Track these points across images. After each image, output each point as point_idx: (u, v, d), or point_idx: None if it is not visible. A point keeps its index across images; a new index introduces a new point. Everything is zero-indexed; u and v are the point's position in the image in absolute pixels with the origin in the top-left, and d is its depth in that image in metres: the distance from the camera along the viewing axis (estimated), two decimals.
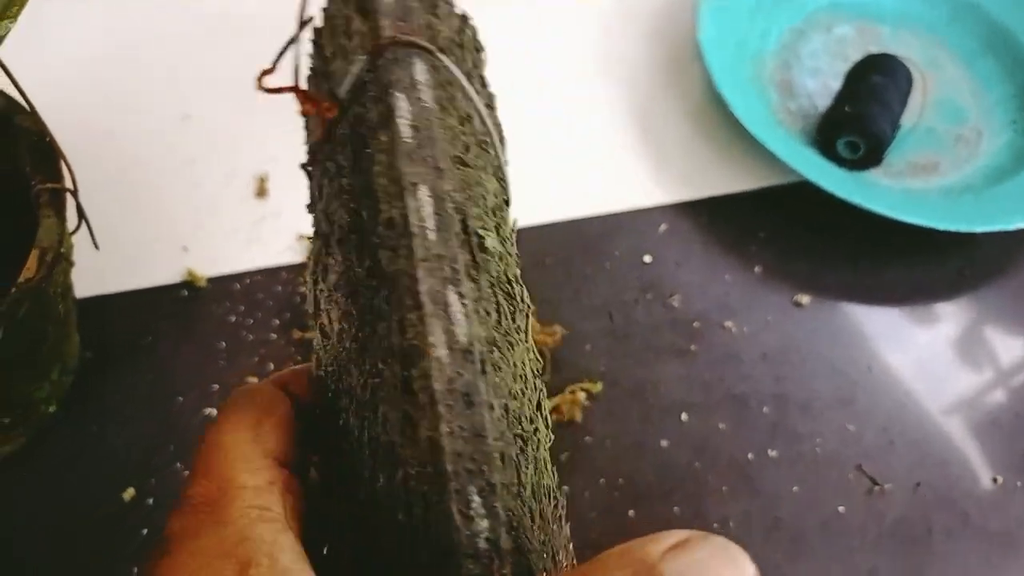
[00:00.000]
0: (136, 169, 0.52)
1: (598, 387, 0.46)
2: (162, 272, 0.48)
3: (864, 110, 0.52)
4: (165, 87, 0.57)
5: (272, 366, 0.46)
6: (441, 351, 0.19)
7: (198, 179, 0.52)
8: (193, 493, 0.20)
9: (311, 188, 0.27)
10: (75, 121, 0.53)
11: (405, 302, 0.19)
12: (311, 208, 0.26)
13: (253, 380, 0.45)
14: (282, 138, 0.55)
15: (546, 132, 0.57)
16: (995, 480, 0.45)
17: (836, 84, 0.57)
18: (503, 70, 0.59)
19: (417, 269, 0.19)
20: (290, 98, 0.26)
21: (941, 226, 0.48)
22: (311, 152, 0.27)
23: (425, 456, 0.18)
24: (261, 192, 0.52)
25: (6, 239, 0.37)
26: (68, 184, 0.35)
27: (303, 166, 0.27)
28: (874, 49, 0.60)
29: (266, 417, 0.21)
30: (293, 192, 0.52)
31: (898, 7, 0.63)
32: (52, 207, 0.35)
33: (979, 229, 0.49)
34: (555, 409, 0.45)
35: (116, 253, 0.48)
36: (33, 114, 0.35)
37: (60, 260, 0.34)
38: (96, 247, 0.39)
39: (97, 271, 0.46)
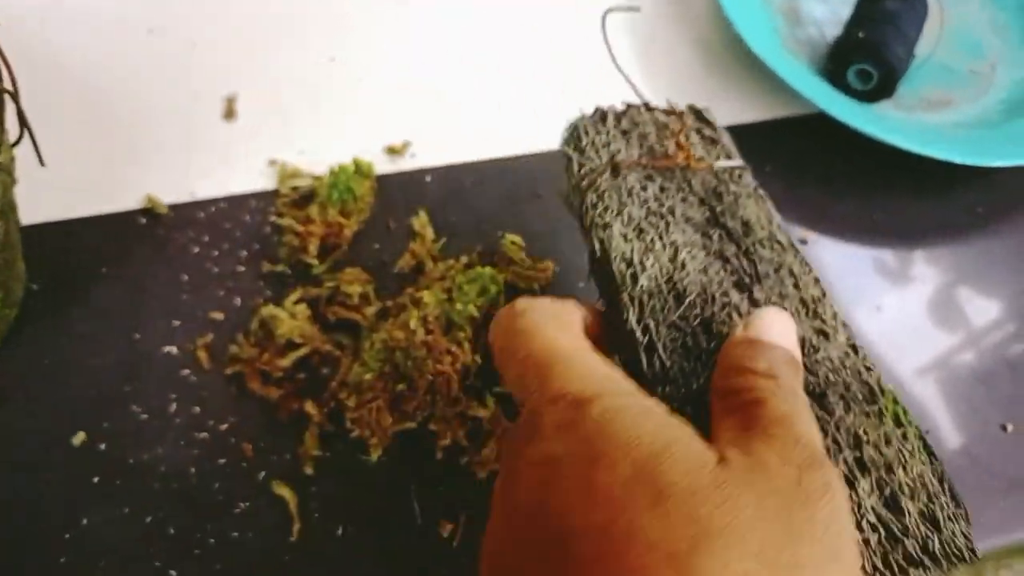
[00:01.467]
0: (94, 81, 0.48)
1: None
2: (119, 197, 0.44)
3: (878, 36, 0.49)
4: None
5: (239, 300, 0.42)
6: None
7: (162, 97, 0.48)
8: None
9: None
10: (22, 17, 0.49)
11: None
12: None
13: (218, 316, 0.41)
14: (253, 56, 0.51)
15: (542, 62, 0.53)
16: (1004, 427, 0.43)
17: (846, 12, 0.53)
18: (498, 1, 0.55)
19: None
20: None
21: (957, 159, 0.45)
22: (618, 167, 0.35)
23: None
24: (229, 113, 0.48)
25: None
26: (7, 84, 0.31)
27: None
28: None
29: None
30: (264, 114, 0.48)
31: None
32: None
33: (997, 163, 0.46)
34: None
35: (66, 173, 0.44)
36: None
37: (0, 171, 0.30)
38: (42, 163, 0.35)
39: (45, 194, 0.42)
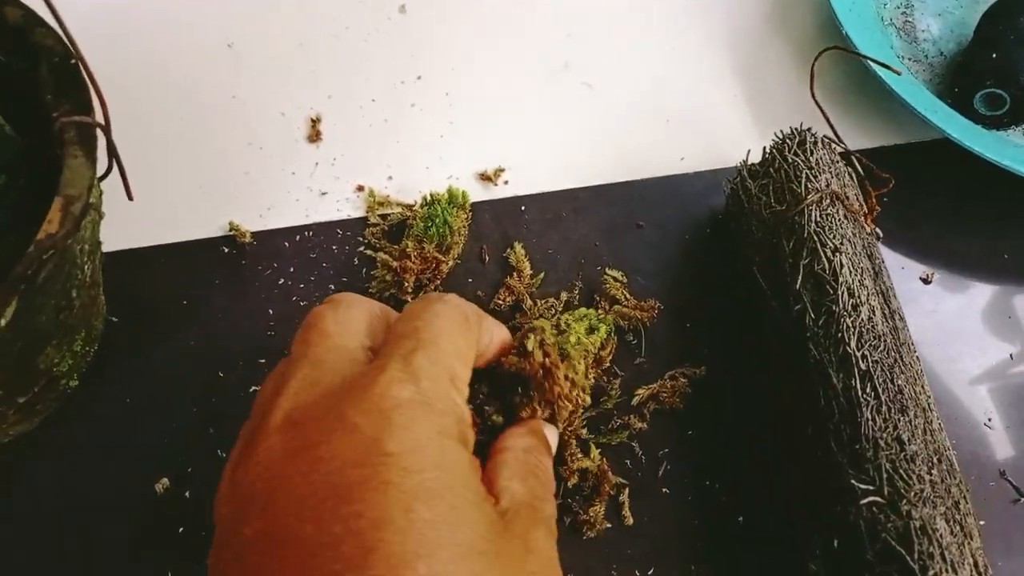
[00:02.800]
0: (174, 104, 0.46)
1: (702, 371, 0.40)
2: (201, 224, 0.42)
3: (1012, 58, 0.45)
4: (210, 8, 0.49)
5: None
6: None
7: (244, 119, 0.45)
8: None
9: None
10: (104, 43, 0.47)
11: None
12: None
13: None
14: (337, 74, 0.48)
15: (638, 84, 0.49)
16: None
17: (965, 30, 0.49)
18: (586, 16, 0.52)
19: None
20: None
21: None
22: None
23: None
24: (314, 136, 0.45)
25: (22, 182, 0.30)
26: (99, 118, 0.29)
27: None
28: None
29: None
30: (349, 137, 0.46)
31: None
32: (80, 145, 0.28)
33: None
34: (653, 399, 0.39)
35: (147, 200, 0.41)
36: (56, 30, 0.28)
37: (88, 211, 0.28)
38: (130, 197, 0.33)
39: (126, 221, 0.40)
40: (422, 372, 0.22)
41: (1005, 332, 0.43)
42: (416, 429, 0.21)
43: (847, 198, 0.38)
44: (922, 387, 0.34)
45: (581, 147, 0.46)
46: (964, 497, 0.32)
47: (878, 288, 0.36)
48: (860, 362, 0.32)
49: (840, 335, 0.33)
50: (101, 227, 0.34)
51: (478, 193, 0.44)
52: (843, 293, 0.34)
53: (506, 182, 0.45)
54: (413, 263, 0.39)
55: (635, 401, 0.39)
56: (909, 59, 0.49)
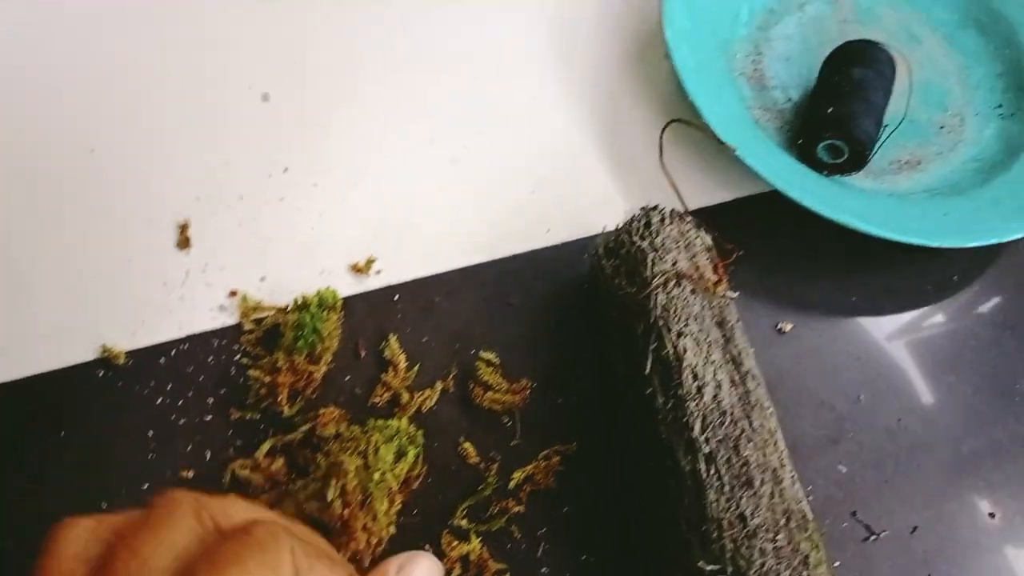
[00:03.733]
0: (35, 220, 0.45)
1: (573, 447, 0.42)
2: (71, 349, 0.42)
3: (847, 110, 0.47)
4: (69, 111, 0.49)
5: (209, 454, 0.40)
6: None
7: (109, 230, 0.45)
8: None
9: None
10: None
11: None
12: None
13: (189, 474, 0.40)
14: (203, 173, 0.48)
15: (495, 149, 0.51)
16: (992, 515, 0.43)
17: (810, 73, 0.52)
18: (445, 76, 0.53)
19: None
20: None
21: (932, 243, 0.44)
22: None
23: None
24: (183, 243, 0.45)
25: None
26: None
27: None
28: (850, 28, 0.55)
29: None
30: (219, 240, 0.46)
31: None
32: None
33: (971, 244, 0.45)
34: (528, 480, 0.41)
35: (13, 329, 0.42)
36: None
37: None
38: None
39: None
40: None
41: (855, 375, 0.46)
42: None
43: (697, 271, 0.40)
44: (774, 445, 0.37)
45: (451, 227, 0.48)
46: (816, 547, 0.35)
47: (728, 356, 0.38)
48: (704, 445, 0.35)
49: (685, 420, 0.36)
50: None
51: (351, 286, 0.45)
52: (687, 377, 0.36)
53: (378, 271, 0.46)
54: (284, 376, 0.40)
55: (512, 485, 0.41)
56: (760, 108, 0.52)
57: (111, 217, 0.46)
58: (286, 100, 0.51)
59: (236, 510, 0.24)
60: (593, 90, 0.53)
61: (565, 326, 0.45)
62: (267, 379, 0.40)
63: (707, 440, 0.35)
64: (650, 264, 0.39)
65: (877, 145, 0.49)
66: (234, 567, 0.21)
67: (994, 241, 0.45)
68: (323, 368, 0.42)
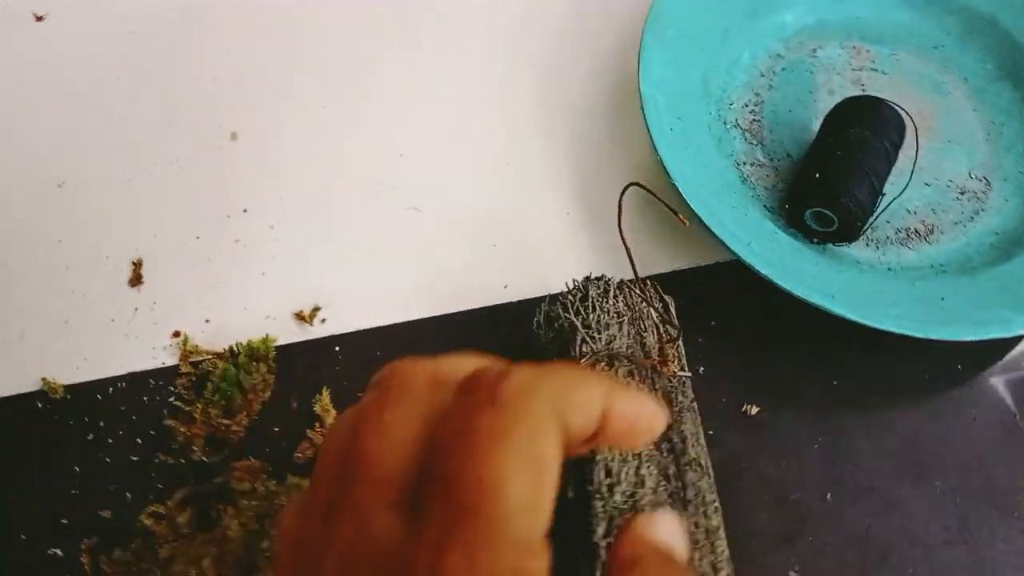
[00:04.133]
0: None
1: None
2: (15, 379, 0.43)
3: (837, 176, 0.43)
4: (41, 145, 0.50)
5: (129, 496, 0.40)
6: None
7: (67, 263, 0.46)
8: None
9: None
10: None
11: None
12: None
13: (107, 514, 0.40)
14: (164, 210, 0.48)
15: (459, 200, 0.49)
16: None
17: (814, 127, 0.48)
18: (412, 123, 0.51)
19: None
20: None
21: (916, 333, 0.39)
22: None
23: None
24: (135, 280, 0.46)
25: None
26: None
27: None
28: (866, 77, 0.51)
29: None
30: (171, 279, 0.46)
31: (898, 22, 0.52)
32: None
33: (966, 337, 0.40)
34: None
35: None
36: None
37: None
38: None
39: None
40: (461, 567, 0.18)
41: (825, 470, 0.41)
42: None
43: (642, 350, 0.37)
44: (710, 547, 0.33)
45: (405, 278, 0.46)
46: None
47: (667, 446, 0.35)
48: (603, 552, 0.32)
49: (589, 520, 0.33)
50: None
51: (294, 334, 0.44)
52: (599, 473, 0.33)
53: (323, 320, 0.45)
54: (199, 428, 0.39)
55: None
56: (752, 164, 0.48)
57: (71, 250, 0.47)
58: (254, 140, 0.50)
59: (468, 364, 0.23)
60: (566, 144, 0.51)
61: None
62: (182, 429, 0.40)
63: (609, 546, 0.32)
64: (578, 343, 0.37)
65: (872, 216, 0.44)
66: (497, 444, 0.19)
67: (996, 336, 0.40)
68: (243, 421, 0.41)
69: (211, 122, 0.50)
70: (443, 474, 0.19)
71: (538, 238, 0.47)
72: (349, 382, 0.43)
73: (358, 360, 0.44)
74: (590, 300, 0.38)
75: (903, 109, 0.45)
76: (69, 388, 0.43)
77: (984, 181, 0.48)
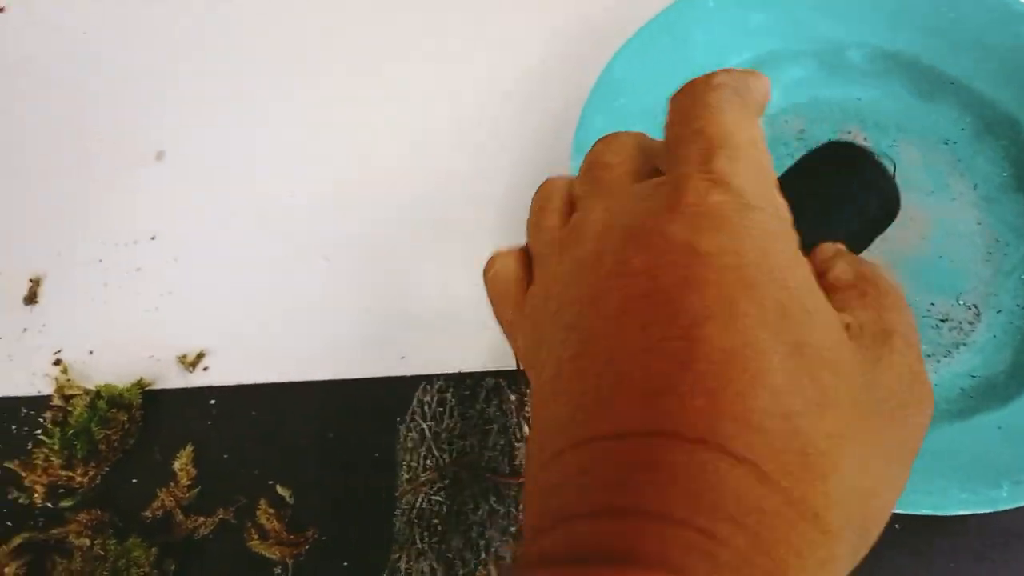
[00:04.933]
0: None
1: None
2: None
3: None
4: None
5: None
6: None
7: None
8: None
9: None
10: None
11: None
12: None
13: None
14: (72, 228, 0.46)
15: (373, 254, 0.45)
16: None
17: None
18: (344, 168, 0.47)
19: None
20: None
21: None
22: None
23: None
24: (30, 298, 0.44)
25: None
26: None
27: None
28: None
29: None
30: (67, 301, 0.44)
31: (904, 110, 0.45)
32: None
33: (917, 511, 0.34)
34: None
35: None
36: None
37: None
38: None
39: None
40: (728, 173, 0.20)
41: None
42: (731, 229, 0.19)
43: (485, 464, 0.33)
44: None
45: (300, 332, 0.43)
46: None
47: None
48: None
49: None
50: None
51: (173, 379, 0.42)
52: None
53: (205, 368, 0.42)
54: (40, 477, 0.37)
55: None
56: None
57: None
58: (182, 159, 0.48)
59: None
60: (498, 212, 0.46)
61: (381, 479, 0.39)
62: (24, 474, 0.38)
63: None
64: (420, 459, 0.33)
65: None
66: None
67: (927, 512, 0.34)
68: (91, 472, 0.39)
69: (138, 137, 0.48)
70: (675, 139, 0.22)
71: (449, 314, 0.43)
72: (217, 441, 0.40)
73: (231, 418, 0.41)
74: (447, 405, 0.34)
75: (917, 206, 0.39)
76: None
77: (973, 310, 0.41)
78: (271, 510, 0.38)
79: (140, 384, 0.41)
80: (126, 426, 0.40)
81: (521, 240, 0.25)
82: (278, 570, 0.38)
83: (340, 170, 0.47)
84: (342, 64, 0.50)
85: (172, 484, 0.39)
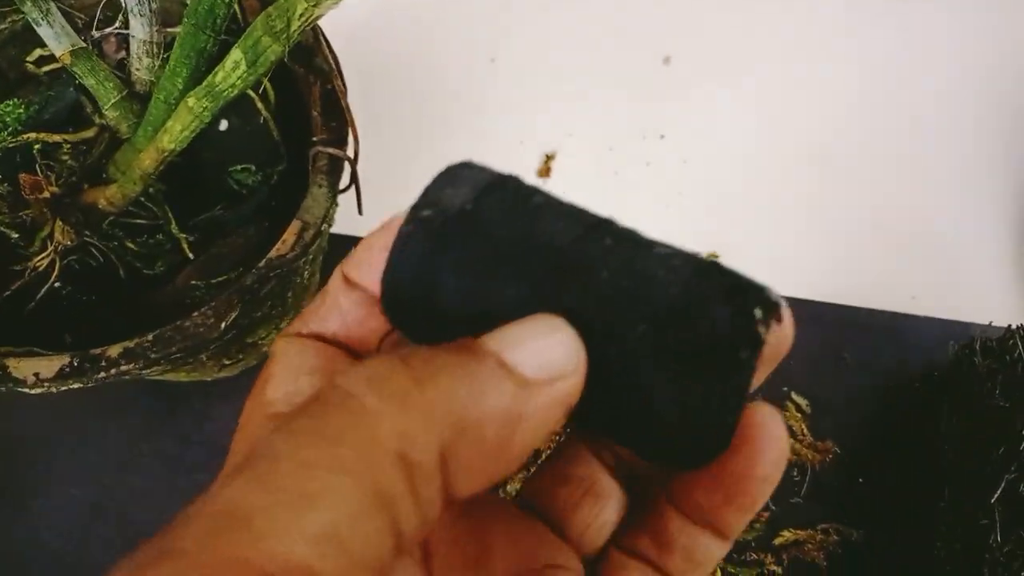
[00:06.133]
0: (423, 129, 0.47)
1: (859, 534, 0.37)
2: None
3: None
4: (474, 18, 0.51)
5: None
6: None
7: (485, 148, 0.46)
8: None
9: None
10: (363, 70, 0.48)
11: None
12: None
13: None
14: (583, 117, 0.47)
15: (880, 179, 0.45)
16: None
17: None
18: (844, 79, 0.47)
19: None
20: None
21: None
22: None
23: None
24: (544, 171, 0.46)
25: (275, 180, 0.34)
26: (350, 152, 0.31)
27: None
28: None
29: None
30: (575, 180, 0.46)
31: None
32: (327, 176, 0.31)
33: None
34: (796, 545, 0.37)
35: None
36: (333, 67, 0.31)
37: (319, 237, 0.30)
38: (360, 212, 0.35)
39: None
40: None
41: None
42: None
43: None
44: None
45: (801, 251, 0.43)
46: None
47: None
48: None
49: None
50: None
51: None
52: None
53: None
54: None
55: (777, 541, 0.37)
56: None
57: (489, 137, 0.47)
58: (685, 67, 0.49)
59: None
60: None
61: (898, 408, 0.40)
62: None
63: None
64: None
65: None
66: None
67: None
68: None
69: (648, 43, 0.49)
70: None
71: (964, 256, 0.43)
72: None
73: None
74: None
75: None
76: None
77: None
78: (797, 414, 0.39)
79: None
80: None
81: None
82: (794, 472, 0.38)
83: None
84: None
85: None
